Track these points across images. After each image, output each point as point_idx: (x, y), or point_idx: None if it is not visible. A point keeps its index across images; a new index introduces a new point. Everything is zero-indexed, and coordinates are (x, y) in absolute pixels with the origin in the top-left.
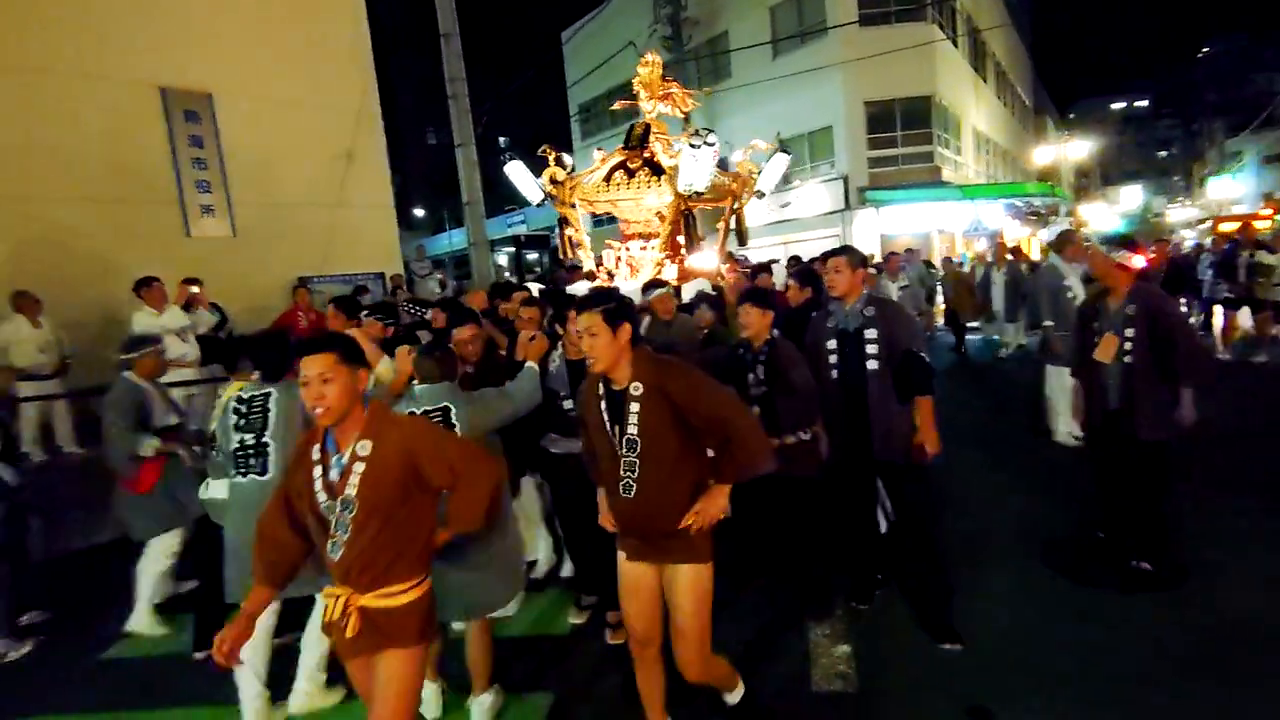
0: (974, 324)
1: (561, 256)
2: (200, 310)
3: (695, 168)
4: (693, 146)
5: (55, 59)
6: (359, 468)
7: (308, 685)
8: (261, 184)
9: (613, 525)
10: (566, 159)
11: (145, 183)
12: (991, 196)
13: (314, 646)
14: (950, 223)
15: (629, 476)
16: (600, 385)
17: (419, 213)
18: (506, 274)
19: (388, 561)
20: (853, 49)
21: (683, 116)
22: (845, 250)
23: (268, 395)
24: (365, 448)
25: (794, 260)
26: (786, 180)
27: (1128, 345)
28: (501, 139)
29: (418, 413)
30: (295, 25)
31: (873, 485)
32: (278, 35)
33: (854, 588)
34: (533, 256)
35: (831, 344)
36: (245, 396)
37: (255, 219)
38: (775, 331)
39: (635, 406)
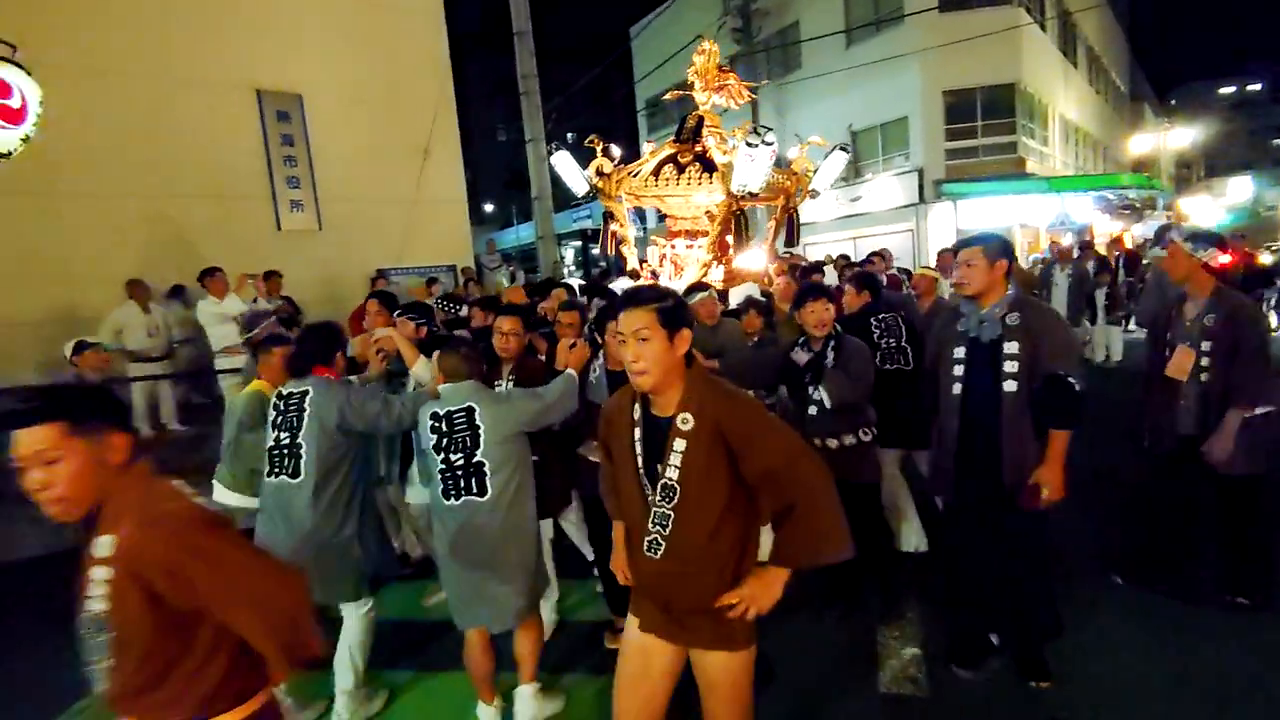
0: None
1: (608, 252)
2: (261, 300)
3: (750, 168)
4: (749, 145)
5: (169, 67)
6: (101, 574)
7: (348, 704)
8: (345, 180)
9: (625, 575)
10: (615, 150)
11: (241, 180)
12: (1080, 189)
13: (347, 668)
14: (1034, 217)
15: (658, 532)
16: (635, 408)
17: (488, 207)
18: (570, 268)
19: (169, 699)
20: (932, 36)
21: (739, 107)
22: (981, 240)
23: (305, 393)
24: (105, 546)
25: (842, 259)
26: (858, 173)
27: (1205, 361)
28: (569, 134)
29: (441, 413)
30: (378, 28)
31: (994, 530)
32: (362, 38)
33: (956, 650)
34: (598, 251)
35: (958, 353)
36: (285, 393)
37: (339, 213)
38: (837, 326)
39: (681, 444)
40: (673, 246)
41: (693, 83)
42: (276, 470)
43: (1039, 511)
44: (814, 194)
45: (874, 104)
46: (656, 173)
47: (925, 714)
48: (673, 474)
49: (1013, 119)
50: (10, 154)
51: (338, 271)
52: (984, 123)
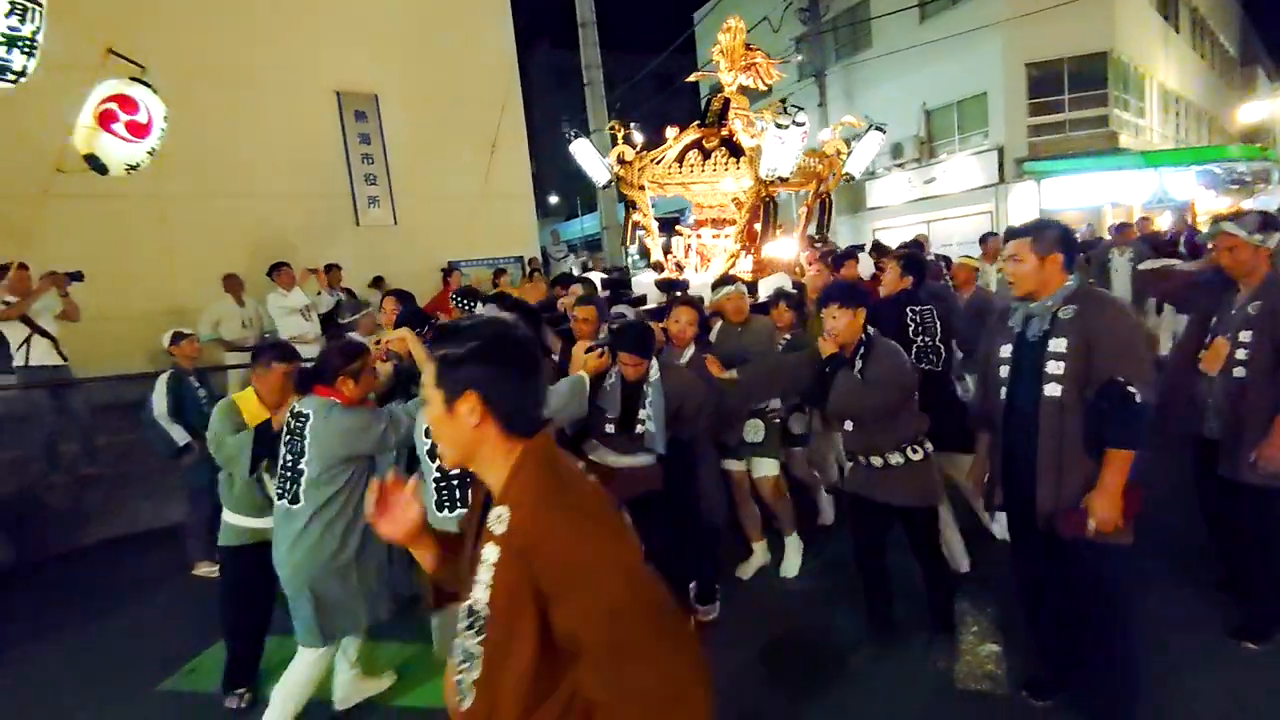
0: None
1: (625, 243)
2: (323, 293)
3: (780, 151)
4: (779, 127)
5: (257, 72)
6: None
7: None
8: (417, 176)
9: None
10: (636, 137)
11: (323, 178)
12: (1182, 163)
13: (281, 704)
14: (1128, 195)
15: (465, 670)
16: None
17: (553, 199)
18: (635, 256)
19: None
20: (1014, 5)
21: (766, 88)
22: (1029, 230)
23: (306, 417)
24: None
25: (878, 247)
26: (932, 153)
27: (1241, 354)
28: (632, 124)
29: None
30: (448, 28)
31: (1048, 558)
32: (433, 38)
33: (1035, 681)
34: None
35: (1005, 351)
36: (295, 410)
37: (412, 208)
38: (870, 330)
39: (492, 553)
40: (698, 236)
41: (717, 62)
42: (281, 493)
43: (1099, 543)
44: (849, 177)
45: (950, 80)
46: (681, 159)
47: (1003, 712)
48: (480, 594)
49: (1104, 90)
50: (138, 166)
51: (411, 264)
52: (1072, 95)
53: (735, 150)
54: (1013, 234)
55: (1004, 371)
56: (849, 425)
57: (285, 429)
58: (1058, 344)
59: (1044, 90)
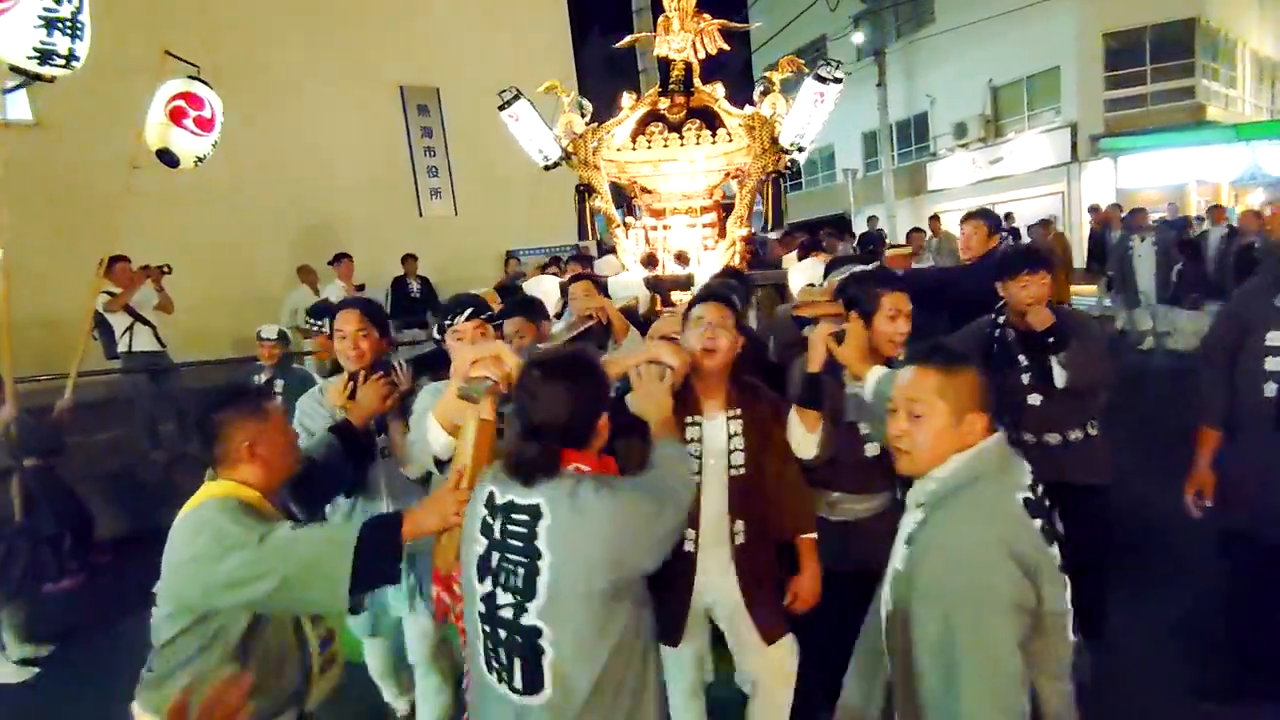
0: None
1: (586, 236)
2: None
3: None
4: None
5: (322, 69)
6: None
7: None
8: (477, 166)
9: None
10: (586, 104)
11: (388, 171)
12: (1279, 135)
13: None
14: (1216, 171)
15: None
16: None
17: None
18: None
19: None
20: None
21: (698, 61)
22: None
23: (535, 516)
24: None
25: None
26: (998, 132)
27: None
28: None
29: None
30: (507, 20)
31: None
32: (492, 29)
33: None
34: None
35: (1273, 338)
36: (508, 502)
37: (472, 198)
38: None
39: None
40: (666, 227)
41: (669, 19)
42: (498, 669)
43: None
44: (799, 151)
45: (1018, 55)
46: (643, 132)
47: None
48: None
49: (1191, 59)
50: (204, 158)
51: (472, 254)
52: (1154, 66)
53: (711, 121)
54: None
55: (1272, 363)
56: (1035, 400)
57: (481, 541)
58: None
59: (1122, 62)
